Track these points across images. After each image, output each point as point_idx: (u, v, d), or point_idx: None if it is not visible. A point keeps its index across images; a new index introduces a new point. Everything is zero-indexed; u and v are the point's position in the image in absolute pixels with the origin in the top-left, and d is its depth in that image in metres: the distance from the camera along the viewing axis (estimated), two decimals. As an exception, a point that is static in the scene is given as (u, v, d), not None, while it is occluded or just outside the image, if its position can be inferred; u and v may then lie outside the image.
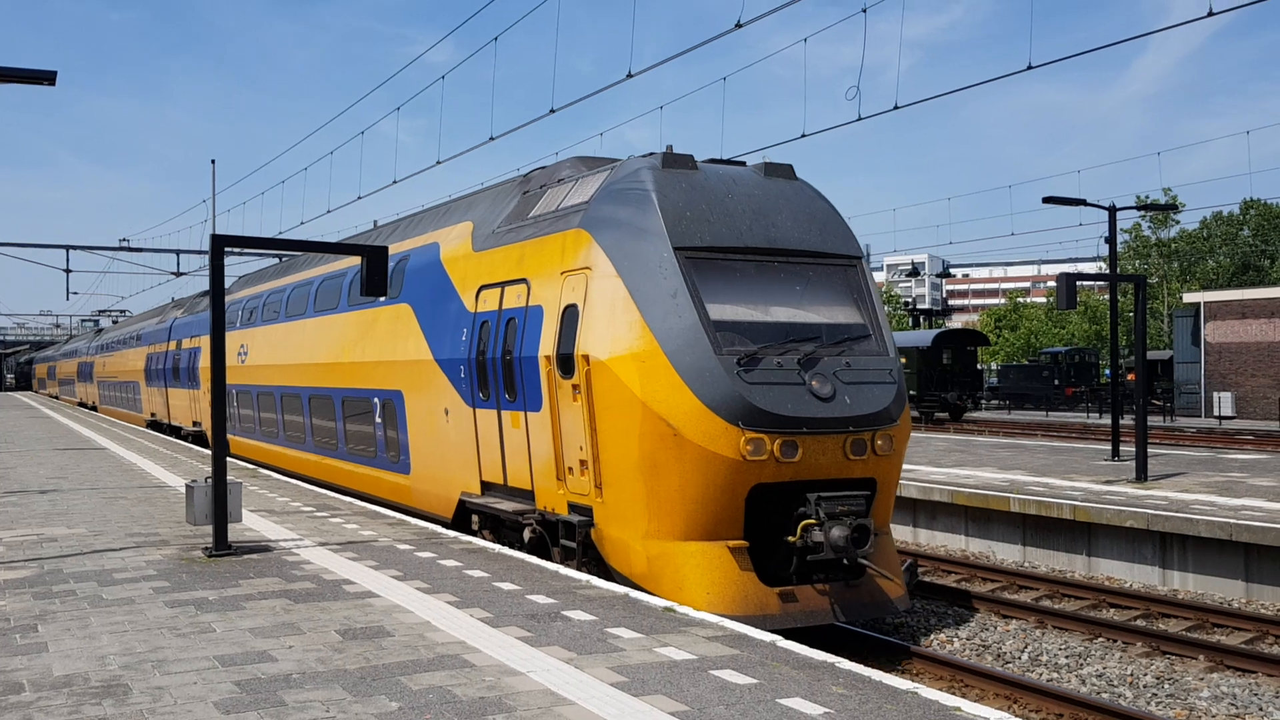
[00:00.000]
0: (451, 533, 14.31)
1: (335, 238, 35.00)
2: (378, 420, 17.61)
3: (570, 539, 12.08)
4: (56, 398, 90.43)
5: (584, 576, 11.03)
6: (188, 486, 12.74)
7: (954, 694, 9.44)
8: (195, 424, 32.81)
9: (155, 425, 41.69)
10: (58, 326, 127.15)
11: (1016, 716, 6.77)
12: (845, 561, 11.02)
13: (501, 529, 14.05)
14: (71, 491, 18.83)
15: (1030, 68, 14.43)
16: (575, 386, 11.68)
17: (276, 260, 34.12)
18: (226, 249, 12.91)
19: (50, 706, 6.76)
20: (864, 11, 14.97)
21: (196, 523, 12.68)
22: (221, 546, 12.29)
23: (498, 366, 13.37)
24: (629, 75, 14.86)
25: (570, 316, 11.96)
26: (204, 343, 29.82)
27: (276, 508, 16.77)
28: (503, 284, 13.59)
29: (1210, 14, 11.15)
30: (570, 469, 12.00)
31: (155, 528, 14.49)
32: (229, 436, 26.67)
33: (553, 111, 17.61)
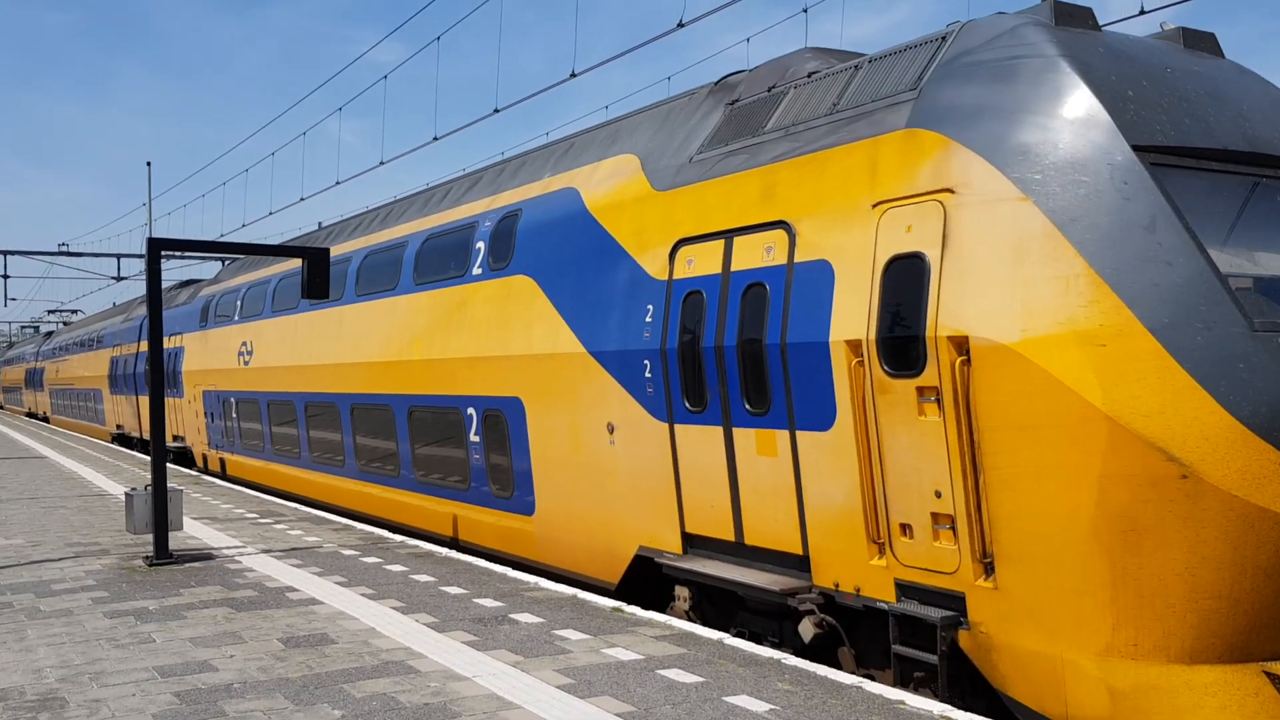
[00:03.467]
0: (398, 537, 14.10)
1: (278, 239, 34.29)
2: (474, 439, 13.10)
3: (913, 643, 7.66)
4: (1, 407, 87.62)
5: (531, 579, 10.95)
6: (127, 494, 12.53)
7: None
8: (176, 439, 27.66)
9: (123, 440, 36.51)
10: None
11: (964, 711, 6.84)
12: None
13: (735, 610, 9.63)
14: (10, 501, 18.41)
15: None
16: (924, 391, 7.47)
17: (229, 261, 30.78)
18: (164, 252, 12.69)
19: (-18, 723, 6.60)
20: (805, 11, 15.06)
21: (137, 531, 12.48)
22: (162, 555, 12.08)
23: (728, 360, 9.09)
24: (573, 74, 14.81)
25: (908, 274, 7.64)
26: (187, 342, 26.09)
27: (220, 515, 16.52)
28: (728, 234, 9.27)
29: (1141, 12, 11.35)
30: (906, 527, 7.68)
31: (95, 537, 14.22)
32: (226, 455, 23.38)
33: (497, 111, 17.51)
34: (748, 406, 8.91)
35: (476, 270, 13.07)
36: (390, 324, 15.33)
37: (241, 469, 22.71)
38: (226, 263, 27.64)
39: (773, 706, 6.67)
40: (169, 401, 27.46)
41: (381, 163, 21.15)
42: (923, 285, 7.50)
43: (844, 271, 8.15)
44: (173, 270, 43.54)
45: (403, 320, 14.98)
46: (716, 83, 11.07)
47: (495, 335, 12.55)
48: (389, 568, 11.72)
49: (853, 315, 8.00)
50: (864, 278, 7.97)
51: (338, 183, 22.98)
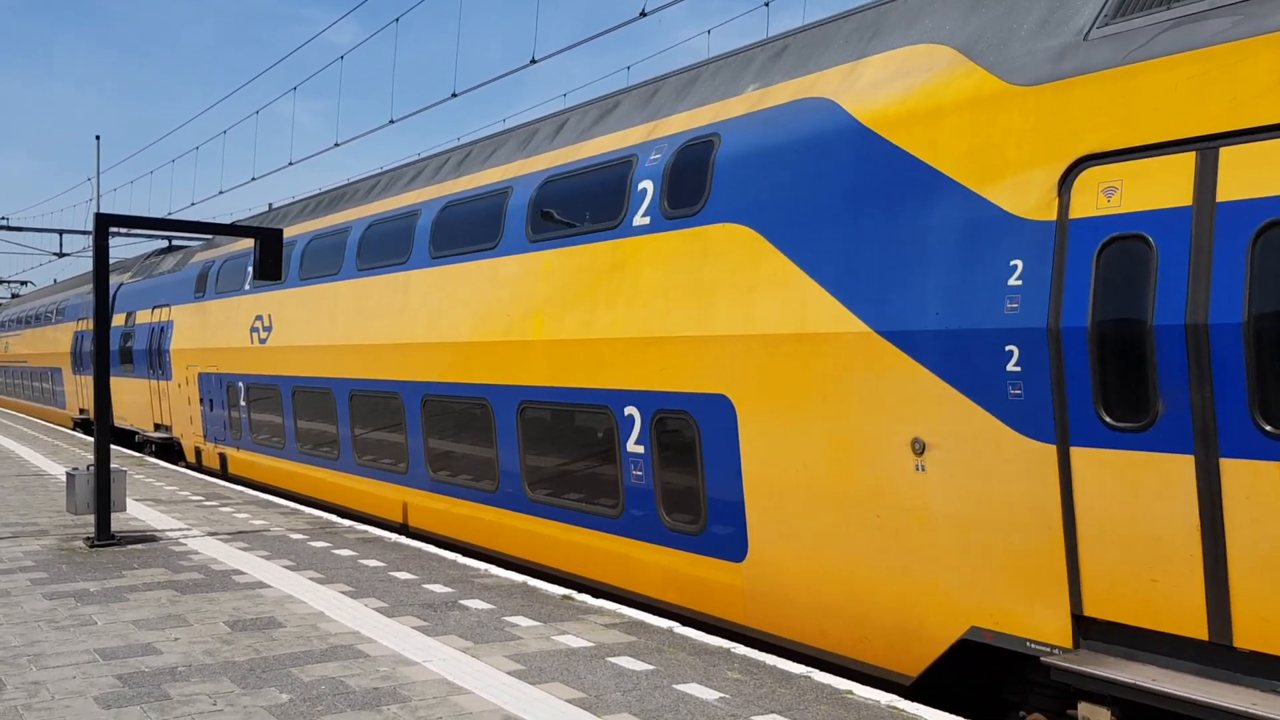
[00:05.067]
0: (347, 522, 13.97)
1: (229, 219, 33.70)
2: (633, 449, 9.77)
3: None
4: None
5: (481, 565, 10.89)
6: (68, 474, 12.30)
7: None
8: (160, 426, 24.00)
9: (88, 427, 31.61)
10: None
11: (912, 701, 6.92)
12: None
13: None
14: (-57, 480, 17.99)
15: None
16: None
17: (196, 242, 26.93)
18: (112, 229, 12.44)
19: (-83, 704, 6.45)
20: (766, 5, 15.10)
21: (78, 512, 12.25)
22: (104, 536, 11.87)
23: (1222, 347, 5.79)
24: (533, 60, 14.73)
25: None
26: (178, 315, 22.29)
27: (164, 496, 16.26)
28: (1207, 142, 5.94)
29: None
30: None
31: (33, 517, 13.93)
32: (229, 450, 19.83)
33: (455, 96, 17.37)
34: (1263, 425, 5.61)
35: (640, 220, 9.80)
36: (487, 293, 11.88)
37: (250, 468, 18.93)
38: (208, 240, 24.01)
39: (722, 695, 6.70)
40: (151, 385, 24.20)
41: (336, 144, 20.91)
42: None
43: None
44: (119, 247, 42.59)
45: (509, 289, 11.49)
46: None
47: (680, 308, 9.18)
48: (338, 552, 11.61)
49: None
50: None
51: (290, 163, 22.67)
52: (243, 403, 18.79)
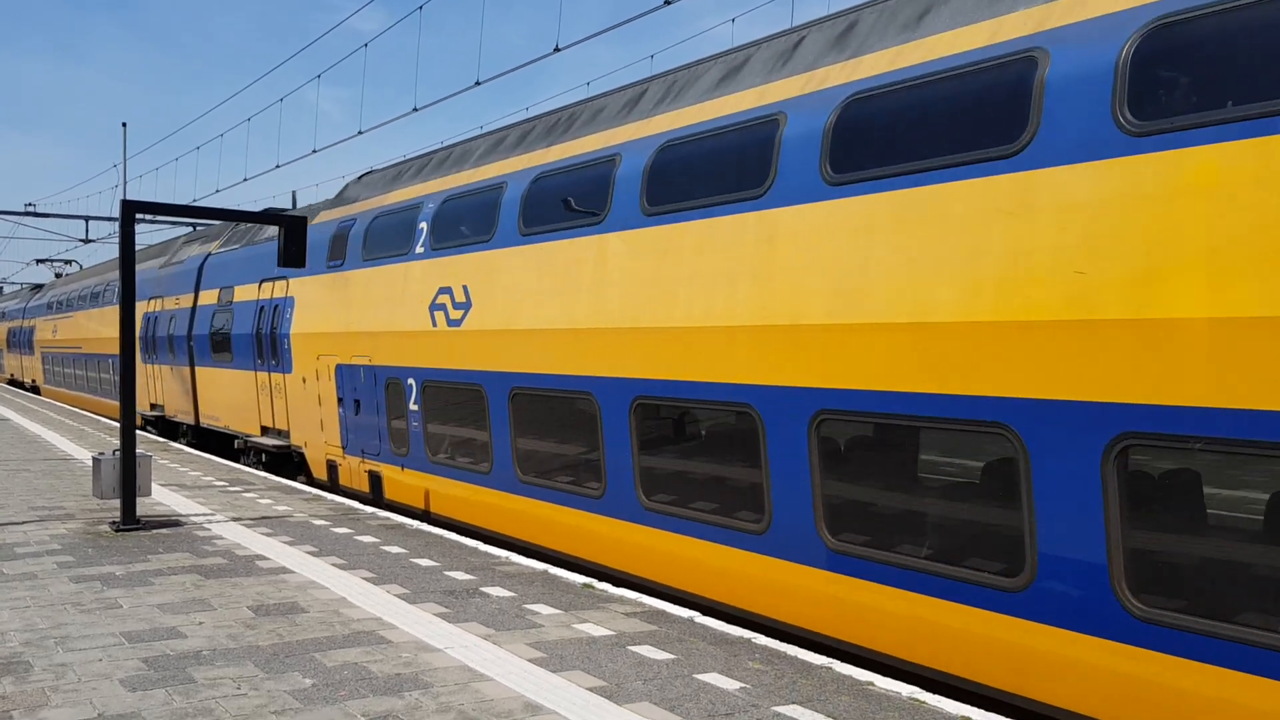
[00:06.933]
0: (370, 509, 14.01)
1: (253, 206, 33.74)
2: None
3: None
4: None
5: (503, 553, 10.92)
6: (94, 459, 12.41)
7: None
8: (270, 430, 19.14)
9: (162, 426, 26.52)
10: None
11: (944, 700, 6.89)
12: None
13: None
14: (-29, 463, 18.20)
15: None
16: None
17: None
18: (138, 215, 12.51)
19: (-54, 684, 6.53)
20: (792, -7, 15.03)
21: (104, 496, 12.36)
22: (129, 521, 11.97)
23: None
24: (556, 49, 14.71)
25: None
26: (303, 290, 17.38)
27: (188, 482, 16.39)
28: None
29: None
30: None
31: (60, 501, 14.07)
32: (387, 470, 14.88)
33: (478, 84, 17.37)
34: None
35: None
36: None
37: (422, 494, 14.09)
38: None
39: (743, 685, 6.70)
40: (258, 379, 19.30)
41: (360, 132, 20.96)
42: None
43: None
44: (144, 234, 42.59)
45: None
46: None
47: None
48: (360, 539, 11.67)
49: None
50: None
51: (314, 151, 22.75)
52: (414, 406, 13.94)
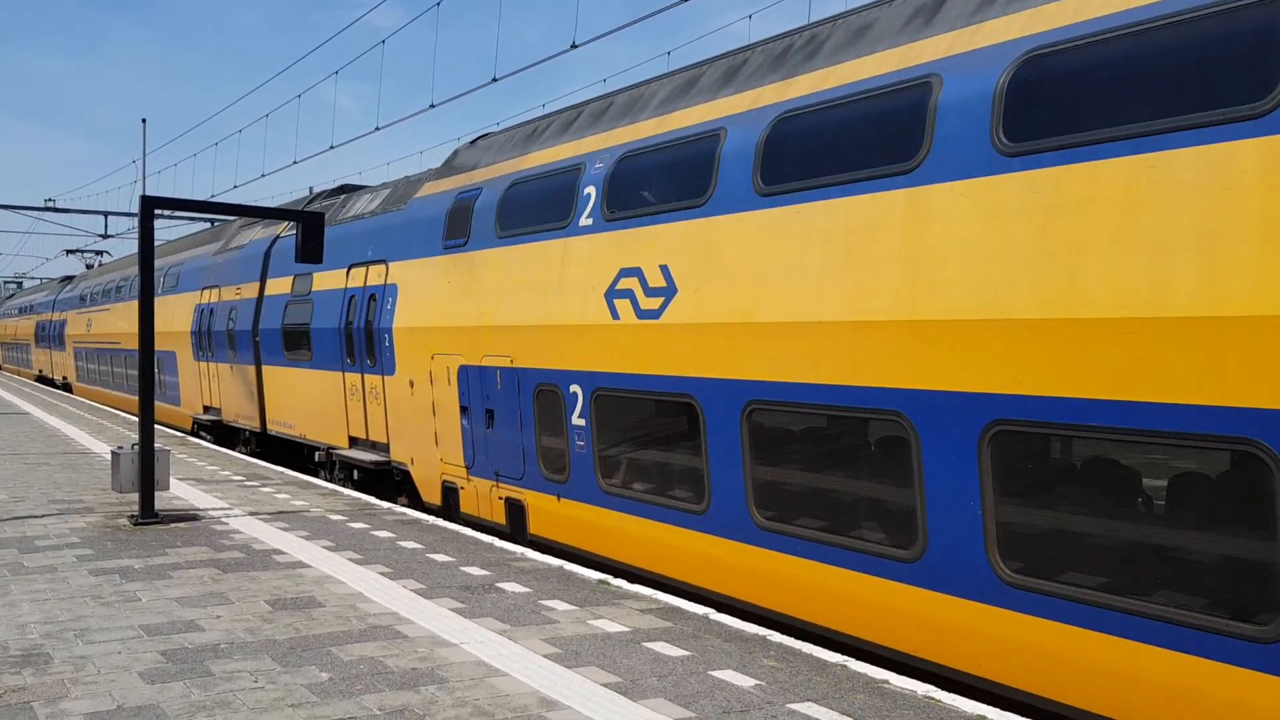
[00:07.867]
0: (385, 504, 14.06)
1: (271, 202, 33.91)
2: None
3: None
4: None
5: (519, 549, 10.94)
6: (113, 453, 12.49)
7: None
8: (359, 441, 16.37)
9: (218, 433, 23.36)
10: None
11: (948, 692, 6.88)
12: None
13: None
14: (-8, 457, 18.35)
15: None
16: None
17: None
18: (157, 211, 12.59)
19: (-33, 676, 6.59)
20: (809, -11, 15.00)
21: (122, 490, 12.45)
22: (148, 514, 12.06)
23: None
24: (573, 45, 14.72)
25: None
26: (407, 275, 14.55)
27: (206, 476, 16.49)
28: None
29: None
30: None
31: (79, 495, 14.18)
32: (533, 498, 11.84)
33: (495, 80, 17.40)
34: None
35: None
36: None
37: (600, 535, 10.90)
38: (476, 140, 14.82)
39: (758, 682, 6.70)
40: (346, 381, 16.50)
41: (377, 128, 21.02)
42: None
43: None
44: (162, 230, 42.77)
45: None
46: None
47: None
48: (376, 534, 11.72)
49: None
50: None
51: (332, 147, 22.83)
52: (578, 420, 11.01)
